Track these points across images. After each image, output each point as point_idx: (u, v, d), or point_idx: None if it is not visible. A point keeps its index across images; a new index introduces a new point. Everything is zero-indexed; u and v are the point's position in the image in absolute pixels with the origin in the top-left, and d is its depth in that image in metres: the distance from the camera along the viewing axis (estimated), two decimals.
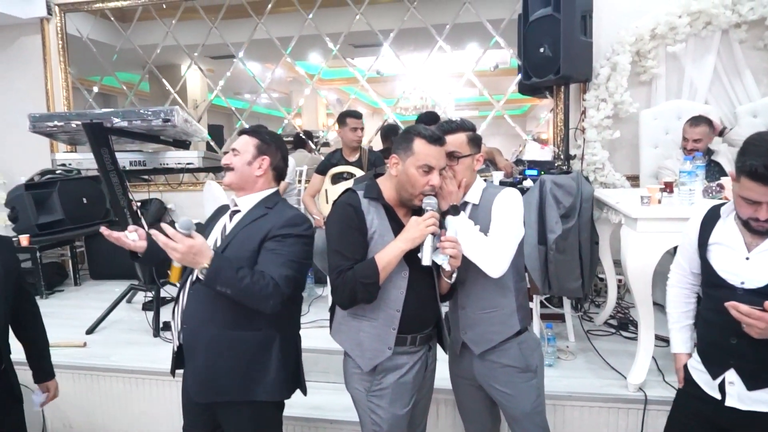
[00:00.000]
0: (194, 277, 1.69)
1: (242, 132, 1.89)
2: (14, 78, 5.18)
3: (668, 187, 2.47)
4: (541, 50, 3.54)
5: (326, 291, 3.82)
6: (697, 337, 1.71)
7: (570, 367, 2.75)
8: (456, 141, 1.73)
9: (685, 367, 1.71)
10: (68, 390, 2.94)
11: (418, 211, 1.69)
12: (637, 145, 3.86)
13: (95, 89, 5.18)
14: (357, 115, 3.78)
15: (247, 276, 1.58)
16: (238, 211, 1.82)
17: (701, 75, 3.80)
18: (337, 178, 3.57)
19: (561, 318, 3.19)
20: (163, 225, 1.59)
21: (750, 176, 1.37)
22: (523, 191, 2.99)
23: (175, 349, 1.82)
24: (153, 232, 1.60)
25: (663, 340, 2.67)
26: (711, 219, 1.61)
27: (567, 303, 3.15)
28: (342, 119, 3.73)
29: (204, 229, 1.89)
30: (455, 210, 1.67)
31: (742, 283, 1.49)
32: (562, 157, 3.81)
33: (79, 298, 4.11)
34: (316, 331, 3.03)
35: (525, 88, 4.05)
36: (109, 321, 3.44)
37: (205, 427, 1.86)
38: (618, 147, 4.05)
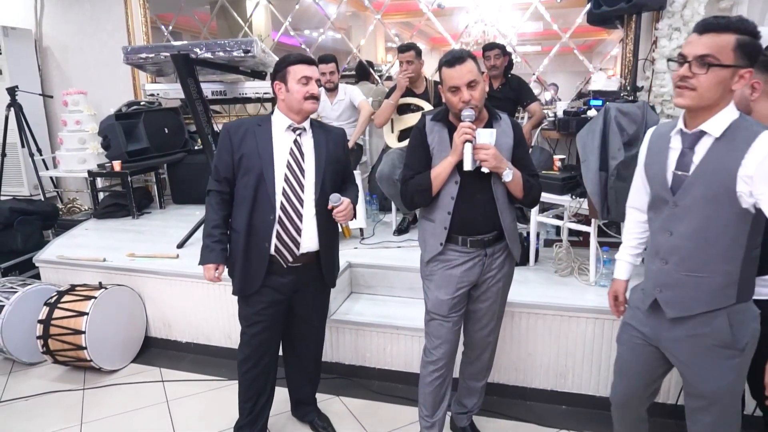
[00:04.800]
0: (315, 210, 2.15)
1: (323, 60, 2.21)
2: (101, 18, 5.42)
3: None
4: None
5: (388, 217, 4.05)
6: None
7: None
8: (713, 42, 1.37)
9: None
10: (165, 293, 3.34)
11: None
12: None
13: (170, 27, 5.42)
14: (401, 49, 3.59)
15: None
16: (303, 129, 2.17)
17: None
18: (404, 109, 3.70)
19: (618, 245, 3.27)
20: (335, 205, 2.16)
21: None
22: (586, 121, 3.04)
23: (291, 259, 2.17)
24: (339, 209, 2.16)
25: None
26: None
27: None
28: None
29: (237, 147, 2.10)
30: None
31: None
32: (628, 88, 3.77)
33: (165, 219, 4.49)
34: (382, 251, 3.27)
35: (594, 18, 3.96)
36: (195, 238, 3.78)
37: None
38: None
